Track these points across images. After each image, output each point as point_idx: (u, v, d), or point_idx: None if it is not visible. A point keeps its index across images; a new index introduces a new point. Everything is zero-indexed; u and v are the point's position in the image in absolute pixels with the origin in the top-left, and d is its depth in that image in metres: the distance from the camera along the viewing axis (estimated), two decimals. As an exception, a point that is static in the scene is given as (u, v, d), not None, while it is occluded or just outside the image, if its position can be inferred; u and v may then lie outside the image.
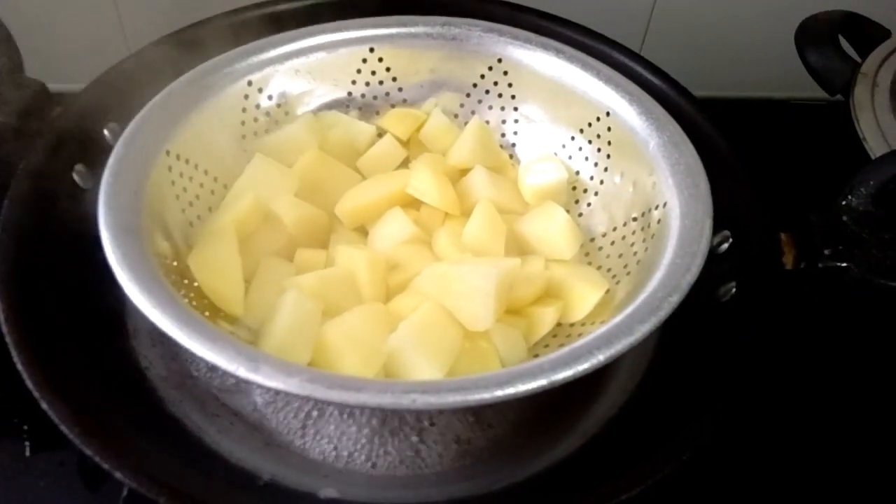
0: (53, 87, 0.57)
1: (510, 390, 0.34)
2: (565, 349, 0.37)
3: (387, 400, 0.33)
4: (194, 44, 0.57)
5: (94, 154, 0.47)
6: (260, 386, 0.34)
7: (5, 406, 0.51)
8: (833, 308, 0.50)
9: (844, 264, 0.44)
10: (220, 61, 0.51)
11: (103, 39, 0.72)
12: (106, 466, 0.35)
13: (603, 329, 0.38)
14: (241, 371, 0.34)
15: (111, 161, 0.43)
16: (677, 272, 0.40)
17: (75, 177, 0.49)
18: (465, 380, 0.35)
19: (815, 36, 0.59)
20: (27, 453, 0.50)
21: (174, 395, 0.45)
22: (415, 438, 0.43)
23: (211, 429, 0.44)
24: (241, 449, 0.43)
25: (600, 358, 0.36)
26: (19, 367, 0.38)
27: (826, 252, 0.44)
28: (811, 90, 0.61)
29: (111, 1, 0.70)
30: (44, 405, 0.37)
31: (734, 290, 0.47)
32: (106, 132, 0.51)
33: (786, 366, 0.49)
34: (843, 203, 0.45)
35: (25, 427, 0.51)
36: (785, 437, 0.51)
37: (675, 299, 0.39)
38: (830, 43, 0.59)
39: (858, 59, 0.58)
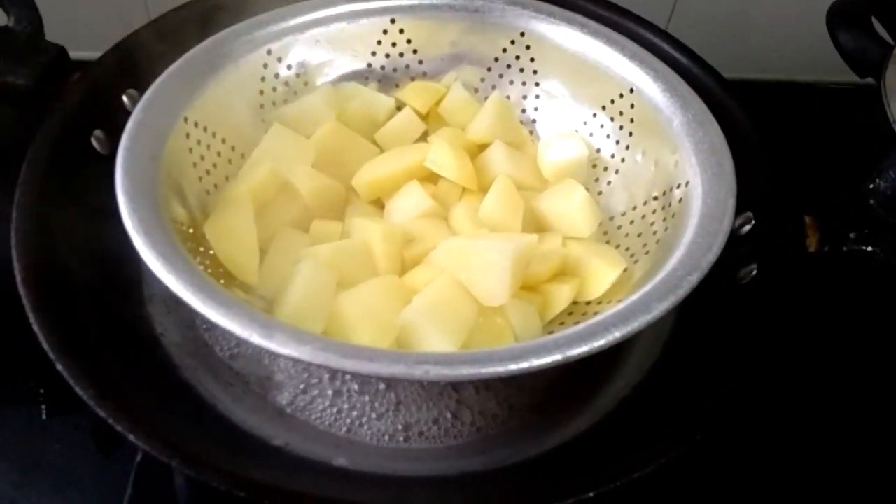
0: (74, 54, 0.57)
1: (524, 364, 0.34)
2: (581, 325, 0.36)
3: (399, 370, 0.33)
4: (215, 11, 0.57)
5: (113, 120, 0.47)
6: (273, 353, 0.34)
7: (22, 369, 0.52)
8: (857, 293, 0.49)
9: (870, 248, 0.43)
10: (239, 29, 0.51)
11: (125, 6, 0.72)
12: (119, 429, 0.35)
13: (620, 306, 0.37)
14: (255, 338, 0.34)
15: (129, 126, 0.43)
16: (698, 251, 0.39)
17: (94, 142, 0.49)
18: (478, 353, 0.34)
19: (847, 17, 0.58)
20: (43, 416, 0.51)
21: (189, 362, 0.45)
22: (427, 413, 0.43)
23: (225, 397, 0.44)
24: (253, 417, 0.44)
25: (616, 335, 0.35)
26: (35, 328, 0.38)
27: (851, 235, 0.43)
28: (839, 74, 0.59)
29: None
30: (59, 366, 0.37)
31: (755, 272, 0.46)
32: (125, 98, 0.50)
33: (805, 351, 0.49)
34: (871, 186, 0.44)
35: (42, 391, 0.51)
36: (801, 425, 0.50)
37: (694, 278, 0.38)
38: (863, 24, 0.57)
39: (892, 42, 0.56)
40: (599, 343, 0.35)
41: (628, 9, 0.59)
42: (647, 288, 0.38)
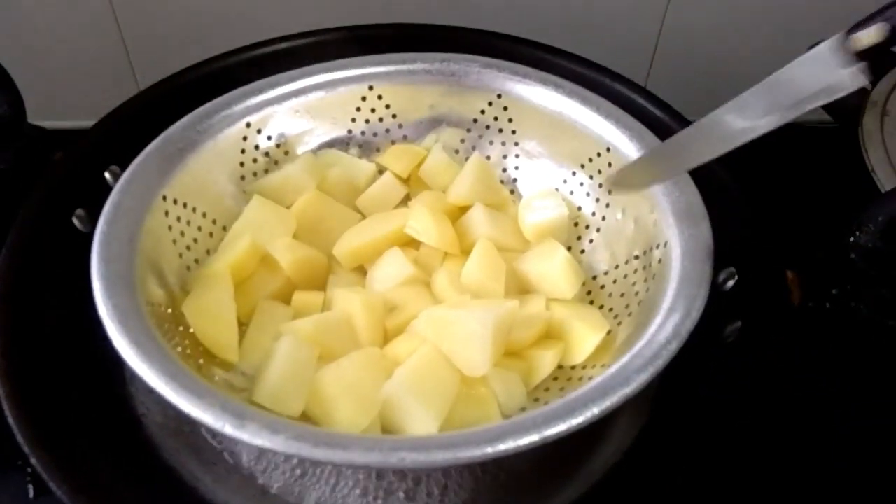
0: (60, 124, 0.57)
1: (501, 447, 0.33)
2: (559, 402, 0.36)
3: (374, 458, 0.33)
4: (198, 83, 0.57)
5: (96, 197, 0.48)
6: (246, 444, 0.33)
7: (8, 448, 0.51)
8: (841, 350, 0.49)
9: (853, 304, 0.42)
10: (218, 104, 0.51)
11: (111, 75, 0.73)
12: (95, 525, 0.35)
13: (598, 380, 0.37)
14: (228, 428, 0.33)
15: (106, 209, 0.43)
16: (677, 318, 0.39)
17: (75, 221, 0.49)
18: (455, 436, 0.34)
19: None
20: (31, 495, 0.50)
21: (170, 442, 0.45)
22: (408, 491, 0.42)
23: (207, 478, 0.44)
24: (236, 498, 0.43)
25: (595, 411, 0.35)
26: (10, 421, 0.38)
27: (833, 291, 0.43)
28: (821, 113, 0.59)
29: (118, 37, 0.71)
30: (33, 461, 0.36)
31: (740, 328, 0.45)
32: (107, 175, 0.51)
33: (793, 410, 0.48)
34: (851, 240, 0.44)
35: (29, 469, 0.51)
36: (788, 480, 0.49)
37: (673, 347, 0.38)
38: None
39: (868, 87, 0.57)
40: (578, 421, 0.34)
41: (608, 63, 0.60)
42: (625, 359, 0.38)
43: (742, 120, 0.37)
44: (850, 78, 0.31)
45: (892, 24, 0.28)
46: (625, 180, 0.45)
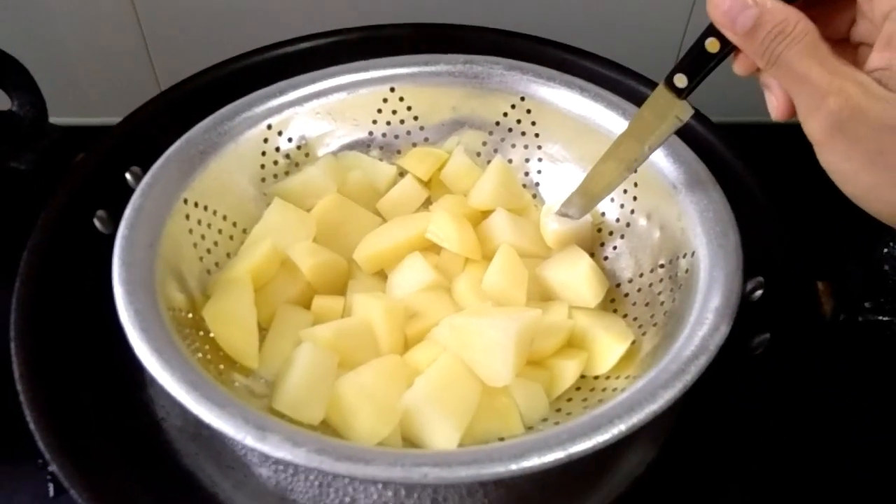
0: (83, 121, 0.57)
1: (525, 464, 0.32)
2: (585, 417, 0.35)
3: (397, 474, 0.32)
4: (219, 83, 0.57)
5: (117, 199, 0.47)
6: (267, 456, 0.33)
7: (29, 447, 0.51)
8: (873, 364, 0.47)
9: (886, 318, 0.41)
10: (238, 106, 0.51)
11: (131, 73, 0.73)
12: (115, 530, 0.35)
13: (625, 395, 0.36)
14: (249, 440, 0.33)
15: (127, 213, 0.43)
16: (705, 331, 0.38)
17: (96, 223, 0.49)
18: (478, 451, 0.33)
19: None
20: (51, 494, 0.50)
21: (190, 447, 0.44)
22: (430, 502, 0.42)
23: (226, 483, 0.43)
24: (255, 504, 0.43)
25: (622, 427, 0.34)
26: (32, 426, 0.38)
27: (866, 304, 0.42)
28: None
29: (139, 36, 0.70)
30: (54, 467, 0.36)
31: (768, 341, 0.44)
32: (128, 176, 0.51)
33: (820, 425, 0.47)
34: (885, 251, 0.43)
35: (50, 468, 0.51)
36: (817, 495, 0.48)
37: (702, 362, 0.37)
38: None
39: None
40: (604, 438, 0.34)
41: (632, 63, 0.59)
42: (652, 373, 0.37)
43: (618, 161, 0.45)
44: (682, 110, 0.41)
45: (687, 73, 0.39)
46: (573, 206, 0.49)
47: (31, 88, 0.51)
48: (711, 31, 0.37)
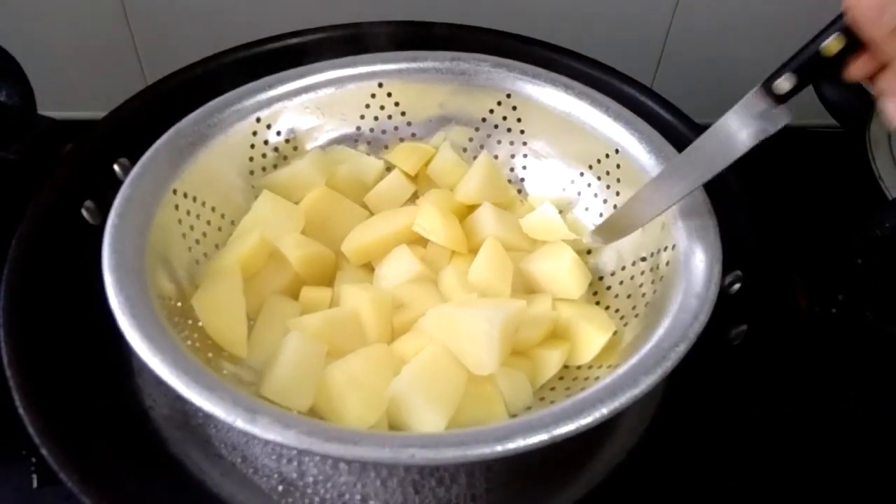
0: (70, 115, 0.57)
1: (510, 445, 0.33)
2: (568, 402, 0.36)
3: (385, 454, 0.33)
4: (206, 77, 0.58)
5: (105, 190, 0.48)
6: (257, 438, 0.34)
7: (12, 438, 0.51)
8: (847, 355, 0.49)
9: (859, 310, 0.43)
10: (228, 98, 0.52)
11: (119, 67, 0.73)
12: (103, 515, 0.35)
13: (607, 380, 0.37)
14: (239, 422, 0.34)
15: (117, 202, 0.44)
16: (685, 320, 0.39)
17: (84, 213, 0.49)
18: (465, 434, 0.34)
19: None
20: (34, 485, 0.50)
21: (177, 435, 0.45)
22: (411, 489, 0.42)
23: (213, 471, 0.44)
24: (243, 492, 0.43)
25: (603, 411, 0.35)
26: (21, 411, 0.38)
27: (840, 297, 0.43)
28: (828, 118, 0.59)
29: (126, 29, 0.71)
30: (43, 451, 0.37)
31: (746, 331, 0.46)
32: (116, 167, 0.51)
33: (796, 414, 0.48)
34: (858, 245, 0.44)
35: (33, 459, 0.51)
36: (795, 483, 0.49)
37: (681, 349, 0.38)
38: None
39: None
40: (587, 420, 0.35)
41: (615, 63, 0.60)
42: (634, 360, 0.38)
43: (693, 171, 0.43)
44: (779, 116, 0.39)
45: (797, 75, 0.37)
46: (607, 231, 0.49)
47: (19, 78, 0.51)
48: (834, 29, 0.34)
